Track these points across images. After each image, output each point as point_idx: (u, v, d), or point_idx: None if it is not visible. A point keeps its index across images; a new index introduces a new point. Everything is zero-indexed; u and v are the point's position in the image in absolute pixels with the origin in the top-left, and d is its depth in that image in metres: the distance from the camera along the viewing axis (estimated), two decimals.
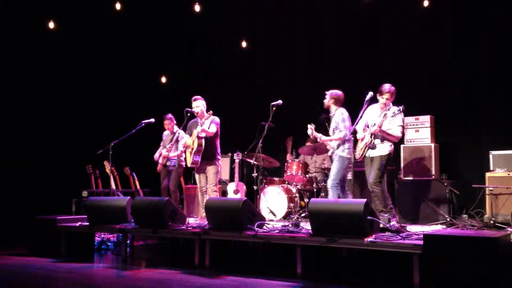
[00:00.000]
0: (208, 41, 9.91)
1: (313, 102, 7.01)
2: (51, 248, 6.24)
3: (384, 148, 5.78)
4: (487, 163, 6.79)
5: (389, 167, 6.08)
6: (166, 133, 7.80)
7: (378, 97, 5.81)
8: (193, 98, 6.89)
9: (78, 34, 9.66)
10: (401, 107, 5.56)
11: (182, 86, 10.03)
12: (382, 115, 5.77)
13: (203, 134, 6.64)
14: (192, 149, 6.72)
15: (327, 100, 6.29)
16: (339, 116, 6.17)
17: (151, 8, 10.11)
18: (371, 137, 5.76)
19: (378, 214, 5.54)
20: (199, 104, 6.82)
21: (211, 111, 6.61)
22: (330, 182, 6.13)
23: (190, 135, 6.88)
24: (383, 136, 5.74)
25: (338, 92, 6.27)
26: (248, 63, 9.49)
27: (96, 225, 6.22)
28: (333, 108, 6.29)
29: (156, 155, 7.68)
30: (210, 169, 6.77)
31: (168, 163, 7.53)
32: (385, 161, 5.76)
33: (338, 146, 6.16)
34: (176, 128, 7.66)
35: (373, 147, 5.79)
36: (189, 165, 6.89)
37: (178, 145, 7.38)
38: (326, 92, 6.33)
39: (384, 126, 5.69)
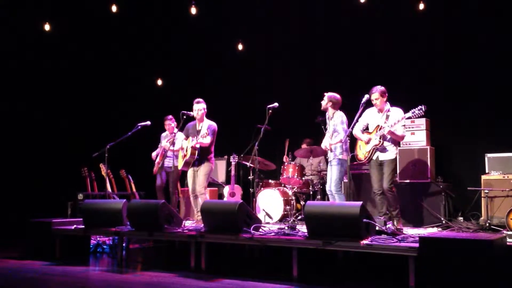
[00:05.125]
0: (205, 43, 9.91)
1: (310, 104, 7.01)
2: (46, 251, 6.21)
3: (393, 152, 5.83)
4: (483, 165, 6.80)
5: None
6: (165, 134, 7.89)
7: (371, 99, 5.86)
8: (196, 100, 6.84)
9: (73, 36, 9.63)
10: (422, 107, 5.44)
11: (178, 89, 10.03)
12: (384, 117, 5.80)
13: (198, 146, 6.64)
14: (185, 155, 6.72)
15: (325, 102, 6.31)
16: (338, 118, 6.24)
17: (149, 10, 10.09)
18: (380, 139, 5.76)
19: (381, 217, 5.59)
20: (201, 108, 6.78)
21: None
22: (334, 188, 6.17)
23: (187, 137, 6.87)
24: (391, 137, 5.75)
25: (337, 95, 6.31)
26: (245, 65, 9.49)
27: (92, 228, 6.20)
28: (330, 111, 6.32)
29: (154, 154, 7.85)
30: (201, 171, 6.73)
31: (165, 163, 7.73)
32: (395, 164, 5.86)
33: (336, 148, 6.19)
34: (175, 129, 7.69)
35: (382, 149, 5.80)
36: (179, 167, 6.92)
37: (173, 146, 7.43)
38: (325, 94, 6.34)
39: (394, 127, 5.68)
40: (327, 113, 6.40)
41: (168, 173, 7.75)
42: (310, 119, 6.89)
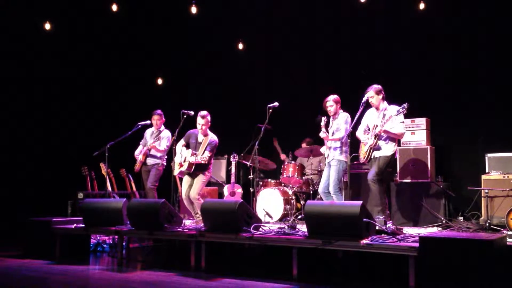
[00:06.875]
0: (206, 42, 9.90)
1: (310, 104, 7.02)
2: (46, 250, 6.21)
3: (388, 149, 5.79)
4: (483, 165, 6.80)
5: (388, 169, 6.00)
6: (149, 130, 7.68)
7: (368, 98, 5.82)
8: (202, 114, 6.71)
9: (74, 35, 9.63)
10: (405, 105, 5.45)
11: (178, 89, 10.03)
12: (380, 116, 5.76)
13: (197, 162, 6.62)
14: (182, 165, 6.71)
15: (335, 107, 6.29)
16: (343, 118, 6.25)
17: (149, 9, 10.09)
18: (375, 139, 5.74)
19: (381, 216, 5.55)
20: (205, 123, 6.71)
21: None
22: (332, 188, 6.16)
23: (187, 143, 6.85)
24: (388, 136, 5.72)
25: (336, 95, 6.33)
26: (245, 65, 9.49)
27: (92, 227, 6.20)
28: (338, 111, 6.34)
29: (137, 152, 7.59)
30: (197, 179, 6.75)
31: (148, 161, 7.47)
32: (388, 160, 5.78)
33: (336, 149, 6.18)
34: (162, 126, 7.62)
35: (377, 148, 5.78)
36: (174, 173, 6.92)
37: (160, 142, 7.39)
38: (327, 100, 6.29)
39: (386, 126, 5.64)
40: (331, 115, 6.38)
41: (150, 170, 7.49)
42: (310, 119, 6.89)
